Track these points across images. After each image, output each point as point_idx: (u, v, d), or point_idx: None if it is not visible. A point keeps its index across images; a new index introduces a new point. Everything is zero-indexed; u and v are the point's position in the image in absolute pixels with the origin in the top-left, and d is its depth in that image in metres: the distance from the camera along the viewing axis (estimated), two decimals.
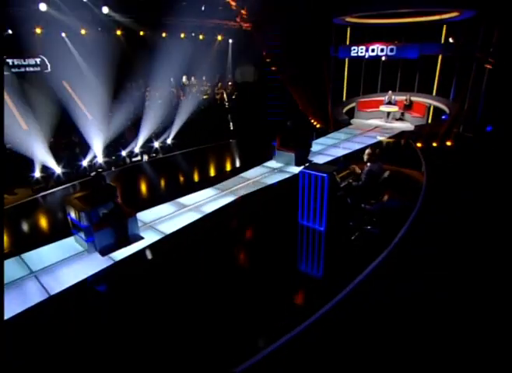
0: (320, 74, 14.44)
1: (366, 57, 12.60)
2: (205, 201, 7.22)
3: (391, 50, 11.86)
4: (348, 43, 14.34)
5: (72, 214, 5.71)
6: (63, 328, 4.06)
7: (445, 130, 11.48)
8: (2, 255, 3.36)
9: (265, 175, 8.65)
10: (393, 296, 4.27)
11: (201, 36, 13.99)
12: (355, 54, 12.68)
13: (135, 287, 4.79)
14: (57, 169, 9.00)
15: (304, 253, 5.65)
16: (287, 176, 8.52)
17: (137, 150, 10.75)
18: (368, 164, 5.30)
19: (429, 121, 13.12)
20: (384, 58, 12.81)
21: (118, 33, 11.71)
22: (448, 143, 11.05)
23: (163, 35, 12.73)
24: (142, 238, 5.82)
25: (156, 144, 11.15)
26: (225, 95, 14.17)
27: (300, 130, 9.72)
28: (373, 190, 5.25)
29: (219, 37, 14.73)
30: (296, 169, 8.69)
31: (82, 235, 5.52)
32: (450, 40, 12.61)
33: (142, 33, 12.22)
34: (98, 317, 4.24)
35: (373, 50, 12.24)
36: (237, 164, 10.45)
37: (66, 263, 5.26)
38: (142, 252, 5.52)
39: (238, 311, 4.21)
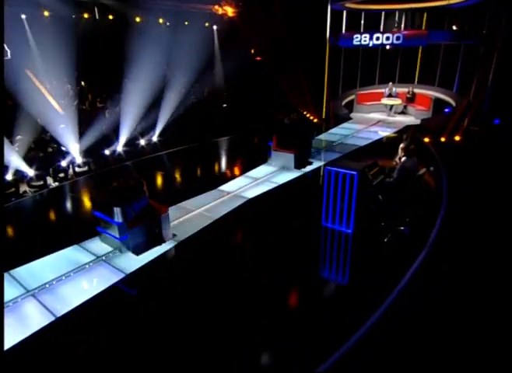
0: (316, 65, 14.70)
1: (371, 45, 12.96)
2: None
3: (398, 38, 12.27)
4: (344, 30, 14.69)
5: (101, 210, 5.75)
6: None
7: (454, 124, 11.96)
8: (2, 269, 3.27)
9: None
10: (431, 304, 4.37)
11: (186, 23, 13.94)
12: (358, 43, 13.01)
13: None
14: (30, 172, 8.65)
15: (328, 258, 5.75)
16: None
17: (119, 149, 10.52)
18: (402, 159, 5.47)
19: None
20: (388, 47, 13.23)
21: (86, 15, 11.45)
22: (457, 138, 11.53)
23: (137, 20, 12.56)
24: (175, 235, 6.05)
25: (142, 142, 10.99)
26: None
27: (300, 128, 9.77)
28: (406, 188, 5.40)
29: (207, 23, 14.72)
30: (288, 176, 8.62)
31: (113, 232, 5.61)
32: (454, 28, 13.20)
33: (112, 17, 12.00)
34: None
35: (377, 39, 12.61)
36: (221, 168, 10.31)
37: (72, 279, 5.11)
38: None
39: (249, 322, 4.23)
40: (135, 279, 5.16)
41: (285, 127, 9.34)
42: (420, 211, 6.10)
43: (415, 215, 5.88)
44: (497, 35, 11.47)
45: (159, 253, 5.62)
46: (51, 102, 10.58)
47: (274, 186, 8.10)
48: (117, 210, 5.47)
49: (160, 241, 5.81)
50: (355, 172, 5.47)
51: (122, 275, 5.13)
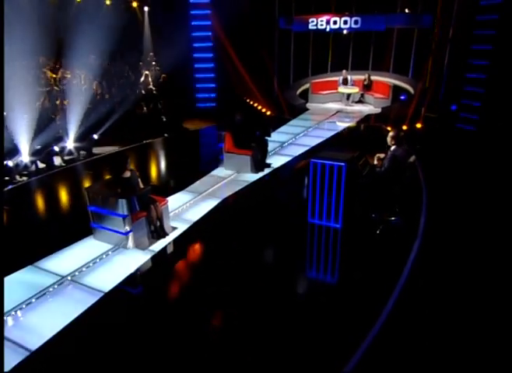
0: (264, 51, 15.28)
1: (328, 30, 13.81)
2: None
3: (356, 22, 13.24)
4: (293, 14, 15.45)
5: (100, 204, 6.03)
6: None
7: (412, 111, 13.19)
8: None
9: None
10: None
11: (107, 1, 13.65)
12: (314, 27, 13.79)
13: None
14: None
15: (315, 257, 6.21)
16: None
17: (70, 146, 10.40)
18: (392, 148, 6.09)
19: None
20: (345, 32, 14.20)
21: None
22: (418, 125, 12.74)
23: None
24: (175, 228, 6.58)
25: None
26: (150, 79, 14.06)
27: (255, 124, 9.83)
28: (397, 177, 6.03)
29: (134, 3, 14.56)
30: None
31: (116, 227, 5.95)
32: (407, 11, 14.56)
33: None
34: None
35: (335, 23, 13.49)
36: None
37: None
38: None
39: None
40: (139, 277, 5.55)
41: (238, 124, 9.15)
42: (409, 200, 6.82)
43: (404, 204, 6.56)
44: (450, 17, 12.89)
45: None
46: None
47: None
48: (122, 202, 5.78)
49: (165, 234, 6.31)
50: (343, 164, 6.00)
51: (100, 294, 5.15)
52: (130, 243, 6.02)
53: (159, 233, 6.25)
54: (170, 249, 6.21)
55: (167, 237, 6.33)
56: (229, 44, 14.68)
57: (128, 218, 5.86)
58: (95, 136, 11.48)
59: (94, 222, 6.20)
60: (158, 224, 6.21)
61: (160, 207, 6.23)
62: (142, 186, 6.36)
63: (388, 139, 6.10)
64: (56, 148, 10.24)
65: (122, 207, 5.82)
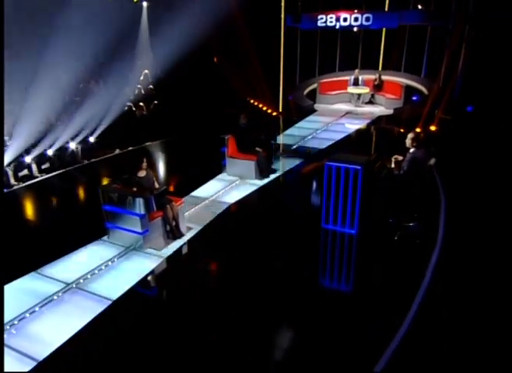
0: (270, 50, 15.36)
1: (337, 27, 13.90)
2: None
3: (367, 19, 13.32)
4: (300, 11, 15.57)
5: (116, 203, 6.20)
6: None
7: (427, 112, 13.23)
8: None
9: None
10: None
11: None
12: (323, 25, 13.88)
13: None
14: None
15: (329, 264, 6.23)
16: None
17: (50, 153, 10.40)
18: (411, 150, 6.13)
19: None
20: (356, 29, 14.27)
21: None
22: (432, 128, 12.78)
23: None
24: (191, 228, 6.76)
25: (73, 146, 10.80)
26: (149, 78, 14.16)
27: (260, 128, 9.77)
28: (417, 180, 6.07)
29: None
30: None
31: (132, 227, 6.09)
32: (419, 7, 14.66)
33: None
34: None
35: (345, 20, 13.57)
36: None
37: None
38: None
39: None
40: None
41: (242, 128, 9.06)
42: (427, 204, 6.85)
43: (422, 209, 6.59)
44: (466, 15, 12.97)
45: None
46: None
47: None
48: (139, 201, 5.93)
49: (181, 234, 6.50)
50: (359, 167, 6.02)
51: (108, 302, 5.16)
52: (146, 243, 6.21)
53: (175, 233, 6.42)
54: (184, 251, 6.37)
55: (183, 237, 6.51)
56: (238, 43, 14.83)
57: (146, 218, 6.03)
58: (91, 139, 11.61)
59: (109, 222, 6.38)
60: (174, 224, 6.38)
61: (176, 207, 6.40)
62: (157, 185, 6.56)
63: (408, 141, 6.13)
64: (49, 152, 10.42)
65: (139, 206, 5.97)
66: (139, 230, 6.06)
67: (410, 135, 6.10)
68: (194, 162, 10.10)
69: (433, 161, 6.15)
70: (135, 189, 6.28)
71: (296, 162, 9.88)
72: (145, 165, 6.44)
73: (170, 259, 6.08)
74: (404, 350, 4.22)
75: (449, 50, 13.71)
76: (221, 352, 4.39)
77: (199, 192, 8.30)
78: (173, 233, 6.43)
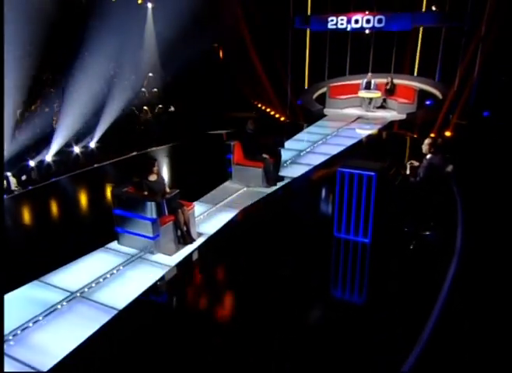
0: (278, 52, 15.38)
1: (348, 29, 13.88)
2: None
3: (380, 20, 13.30)
4: (309, 13, 15.59)
5: (126, 207, 6.26)
6: None
7: (442, 117, 13.15)
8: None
9: None
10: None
11: None
12: (334, 27, 13.87)
13: None
14: None
15: (341, 275, 6.16)
16: None
17: (49, 159, 10.42)
18: (428, 156, 6.06)
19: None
20: (368, 31, 14.26)
21: None
22: (447, 133, 12.68)
23: None
24: (201, 234, 6.81)
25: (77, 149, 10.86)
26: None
27: (268, 134, 9.71)
28: (434, 187, 6.00)
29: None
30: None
31: (143, 231, 6.15)
32: (433, 8, 14.61)
33: None
34: None
35: (356, 21, 13.56)
36: None
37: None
38: None
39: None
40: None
41: (249, 134, 8.89)
42: (444, 212, 6.78)
43: (439, 217, 6.52)
44: (482, 16, 12.88)
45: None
46: None
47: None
48: (151, 206, 5.97)
49: (192, 239, 6.52)
50: (373, 173, 5.96)
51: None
52: (157, 248, 6.25)
53: (186, 239, 6.45)
54: (194, 257, 6.40)
55: (194, 243, 6.54)
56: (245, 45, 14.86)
57: (157, 222, 6.05)
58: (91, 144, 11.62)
59: (119, 226, 6.43)
60: (185, 229, 6.41)
61: (187, 211, 6.42)
62: (168, 190, 6.57)
63: (424, 147, 6.05)
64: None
65: (151, 210, 6.00)
66: (150, 235, 6.11)
67: (427, 141, 6.03)
68: (198, 169, 10.01)
69: (450, 167, 6.08)
70: (146, 193, 6.32)
71: (305, 168, 9.79)
72: (156, 168, 6.45)
73: (179, 265, 6.08)
74: (422, 366, 4.11)
75: (465, 53, 13.63)
76: (228, 361, 4.35)
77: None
78: (184, 239, 6.45)
